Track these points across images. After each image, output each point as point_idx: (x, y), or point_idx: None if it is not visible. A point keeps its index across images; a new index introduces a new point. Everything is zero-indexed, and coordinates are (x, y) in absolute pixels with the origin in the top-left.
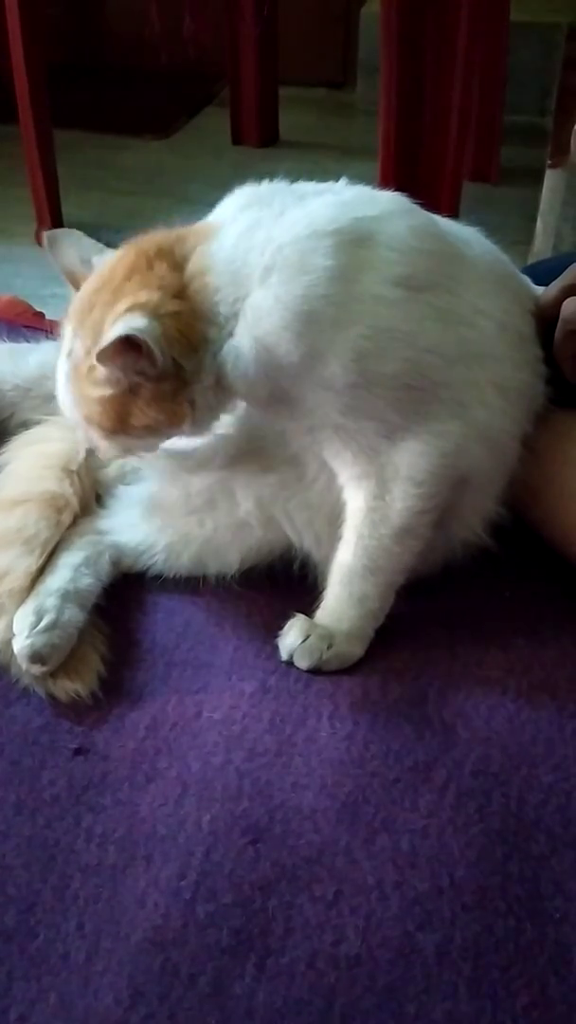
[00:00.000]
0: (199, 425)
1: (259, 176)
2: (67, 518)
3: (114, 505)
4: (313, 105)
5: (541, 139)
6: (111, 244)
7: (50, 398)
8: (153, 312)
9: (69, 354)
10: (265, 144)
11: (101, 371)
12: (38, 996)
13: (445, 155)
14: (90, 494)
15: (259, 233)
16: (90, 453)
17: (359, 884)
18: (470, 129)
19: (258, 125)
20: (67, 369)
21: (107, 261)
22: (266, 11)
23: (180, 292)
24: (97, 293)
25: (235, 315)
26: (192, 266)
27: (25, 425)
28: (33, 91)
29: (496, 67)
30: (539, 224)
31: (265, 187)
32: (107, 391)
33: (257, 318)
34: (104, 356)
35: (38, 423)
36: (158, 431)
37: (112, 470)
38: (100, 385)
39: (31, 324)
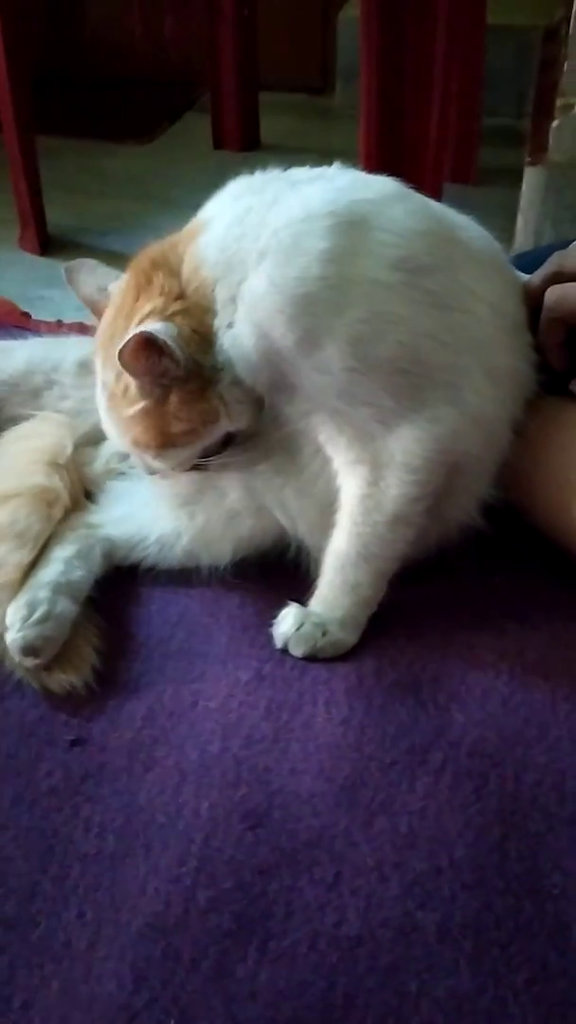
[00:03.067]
0: (236, 419)
1: None
2: (58, 512)
3: (105, 499)
4: (293, 110)
5: (518, 141)
6: (97, 247)
7: (37, 393)
8: (161, 315)
9: (103, 385)
10: (246, 149)
11: (132, 386)
12: (41, 983)
13: (425, 156)
14: (79, 489)
15: (251, 219)
16: (77, 447)
17: (359, 866)
18: (450, 131)
19: (239, 130)
20: (104, 401)
21: (118, 289)
22: (246, 13)
23: (181, 294)
24: (113, 322)
25: (233, 300)
26: (187, 267)
27: (13, 421)
28: (16, 98)
29: (474, 69)
30: (520, 221)
31: (257, 176)
32: (141, 404)
33: (253, 303)
34: (125, 358)
35: (26, 419)
36: (200, 433)
37: (99, 466)
38: (134, 401)
39: (19, 324)
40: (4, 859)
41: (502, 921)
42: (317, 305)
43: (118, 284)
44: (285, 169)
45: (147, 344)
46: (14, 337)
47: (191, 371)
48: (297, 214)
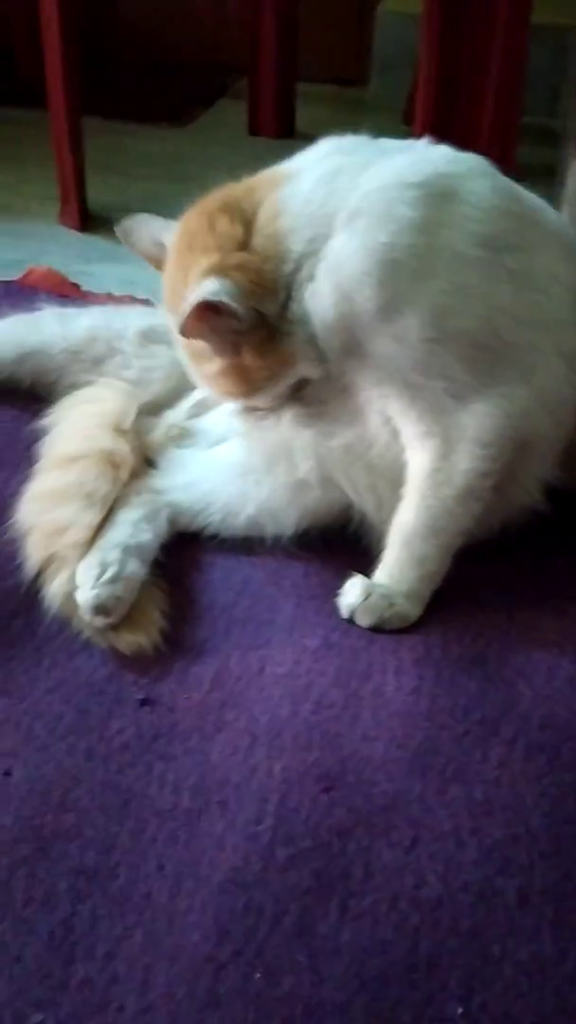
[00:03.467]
0: (312, 362)
1: (275, 165)
2: (124, 475)
3: (168, 466)
4: (327, 101)
5: (552, 140)
6: None
7: (99, 361)
8: (218, 271)
9: (179, 342)
10: (281, 136)
11: (205, 346)
12: (124, 933)
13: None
14: (141, 455)
15: (342, 179)
16: (140, 415)
17: (436, 831)
18: (498, 129)
19: (275, 117)
20: (186, 357)
21: (174, 235)
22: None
23: (243, 243)
24: (172, 276)
25: (313, 255)
26: (264, 213)
27: (74, 387)
28: (67, 78)
29: (516, 66)
30: (565, 212)
31: (348, 139)
32: (219, 362)
33: (338, 263)
34: (188, 329)
35: (87, 385)
36: (279, 377)
37: (159, 435)
38: (211, 359)
39: (69, 294)
40: (81, 811)
41: None
42: (403, 272)
43: (173, 235)
44: (375, 136)
45: (204, 310)
46: (74, 306)
47: (255, 322)
48: (389, 180)
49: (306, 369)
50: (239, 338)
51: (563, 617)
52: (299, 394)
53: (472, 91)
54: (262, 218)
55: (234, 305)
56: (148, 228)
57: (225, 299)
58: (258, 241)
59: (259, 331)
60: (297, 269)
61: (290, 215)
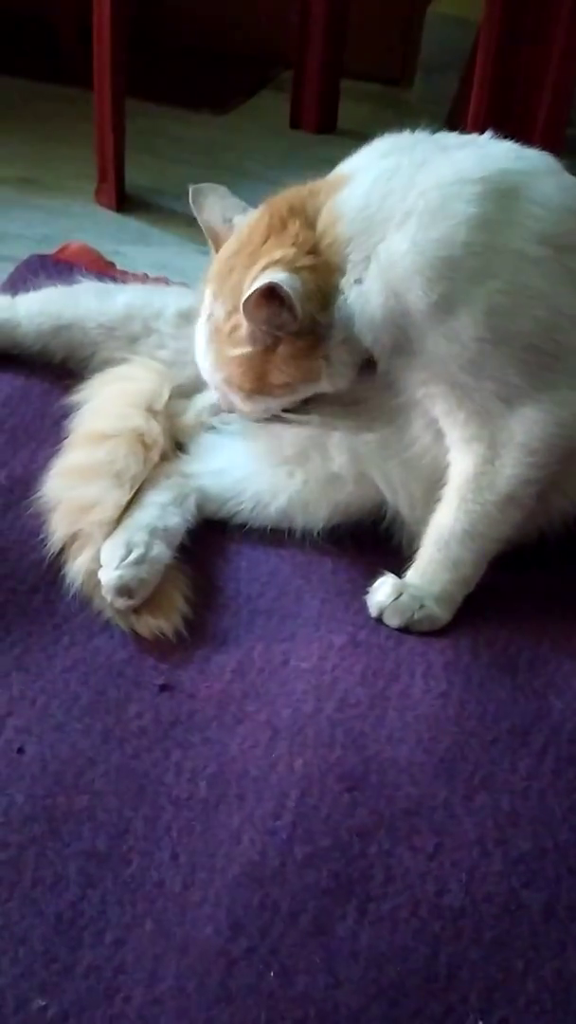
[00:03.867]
0: (335, 380)
1: (314, 160)
2: (155, 456)
3: (199, 451)
4: (369, 99)
5: None
6: (171, 209)
7: (134, 339)
8: (290, 267)
9: (209, 317)
10: (322, 131)
11: (243, 329)
12: (133, 921)
13: None
14: (172, 437)
15: (399, 179)
16: (173, 397)
17: (460, 839)
18: (547, 139)
19: (317, 112)
20: (207, 332)
21: (246, 223)
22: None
23: (314, 248)
24: (236, 256)
25: (367, 259)
26: (323, 219)
27: (107, 364)
28: (115, 59)
29: (569, 78)
30: None
31: (406, 136)
32: (247, 349)
33: (391, 262)
34: (248, 305)
35: (121, 362)
36: (294, 388)
37: (191, 418)
38: (241, 344)
39: (104, 271)
40: (94, 793)
41: None
42: (458, 271)
43: (246, 218)
44: (433, 132)
45: (271, 293)
46: (112, 282)
47: (305, 327)
48: (448, 177)
49: (327, 384)
50: (283, 336)
51: None
52: (306, 408)
53: (527, 98)
54: (322, 224)
55: (297, 304)
56: (222, 202)
57: (292, 293)
58: (322, 249)
59: (303, 338)
60: (350, 276)
61: (347, 220)
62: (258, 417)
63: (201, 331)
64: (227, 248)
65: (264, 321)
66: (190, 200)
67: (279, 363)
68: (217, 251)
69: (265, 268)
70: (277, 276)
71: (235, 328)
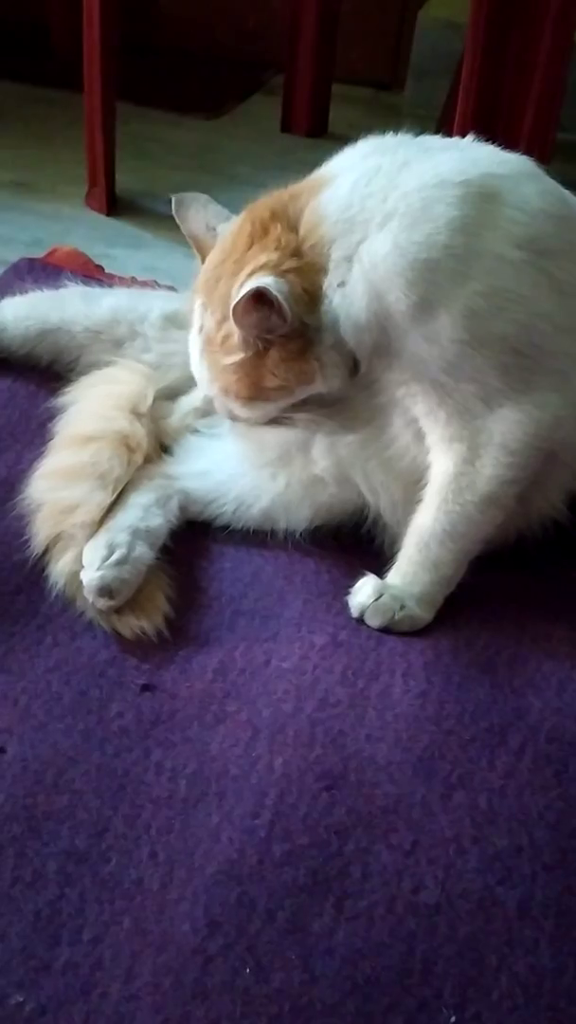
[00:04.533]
0: (329, 381)
1: (305, 163)
2: (139, 458)
3: (183, 453)
4: (360, 103)
5: None
6: (161, 213)
7: (120, 343)
8: (275, 270)
9: (201, 329)
10: (313, 135)
11: (235, 337)
12: (111, 919)
13: None
14: (156, 440)
15: (380, 180)
16: (157, 400)
17: (437, 836)
18: (534, 142)
19: (308, 115)
20: (200, 344)
21: (229, 232)
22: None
23: (297, 250)
24: (221, 266)
25: (349, 260)
26: (306, 221)
27: (94, 367)
28: (104, 61)
29: (554, 81)
30: None
31: (389, 138)
32: (240, 356)
33: (372, 263)
34: (238, 311)
35: (107, 365)
36: (291, 391)
37: (175, 420)
38: (233, 351)
39: (93, 275)
40: (74, 792)
41: None
42: (438, 273)
43: (229, 226)
44: (416, 135)
45: (260, 298)
46: (99, 286)
47: (295, 330)
48: (429, 179)
49: (321, 385)
50: (274, 339)
51: (575, 630)
52: (302, 410)
53: (513, 102)
54: (305, 226)
55: (286, 307)
56: (205, 210)
57: (280, 297)
58: (305, 251)
59: (294, 341)
60: (335, 276)
61: (330, 222)
62: (259, 422)
63: (194, 344)
64: (213, 258)
65: (254, 326)
66: (173, 210)
67: (273, 367)
68: (203, 260)
69: (251, 274)
70: (264, 280)
71: (227, 336)
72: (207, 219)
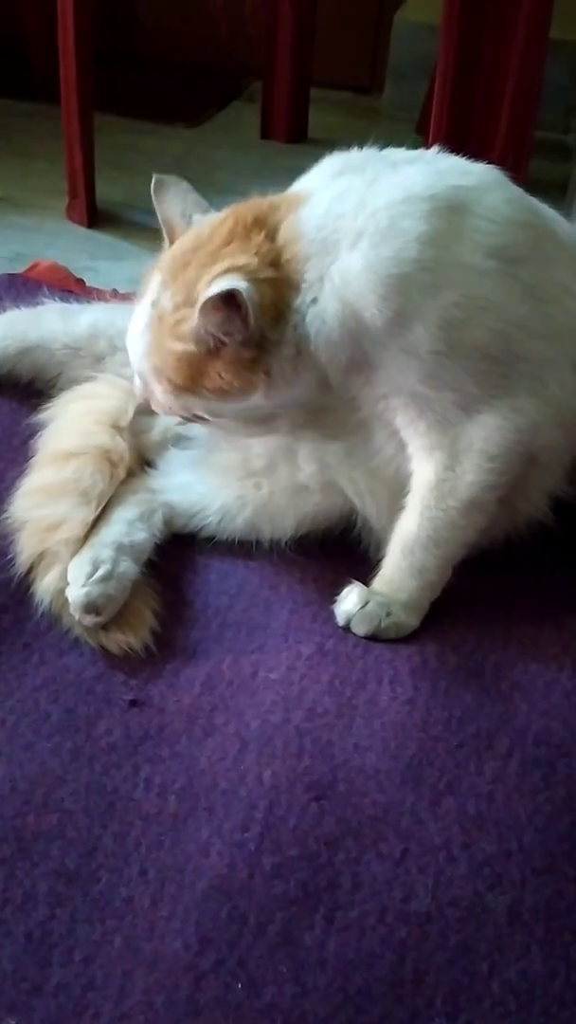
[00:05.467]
0: (270, 396)
1: (286, 170)
2: (121, 472)
3: (165, 466)
4: (340, 107)
5: (565, 154)
6: (142, 224)
7: (100, 359)
8: (251, 276)
9: (154, 304)
10: (293, 141)
11: (189, 326)
12: (103, 939)
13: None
14: (138, 453)
15: (351, 199)
16: (138, 414)
17: (426, 844)
18: (511, 141)
19: (287, 122)
20: (148, 318)
21: (208, 222)
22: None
23: (275, 261)
24: (194, 252)
25: (320, 280)
26: (283, 236)
27: (75, 383)
28: (80, 73)
29: (531, 80)
30: None
31: (356, 154)
32: (189, 347)
33: (345, 281)
34: (207, 306)
35: (88, 381)
36: (227, 396)
37: (155, 435)
38: (184, 340)
39: (73, 290)
40: (64, 812)
41: (574, 908)
42: (411, 287)
43: (209, 218)
44: (381, 148)
45: (229, 299)
46: (77, 301)
47: (253, 339)
48: (397, 195)
49: (260, 399)
50: (228, 342)
51: (562, 631)
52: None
53: (488, 102)
54: (283, 240)
55: (252, 315)
56: (184, 198)
57: (250, 305)
58: (282, 264)
59: (248, 349)
60: (305, 295)
61: (306, 240)
62: (168, 415)
63: (140, 315)
64: (184, 242)
65: (216, 325)
66: (152, 190)
67: (219, 368)
68: (171, 244)
69: (227, 271)
70: (238, 284)
71: (180, 322)
72: (184, 206)
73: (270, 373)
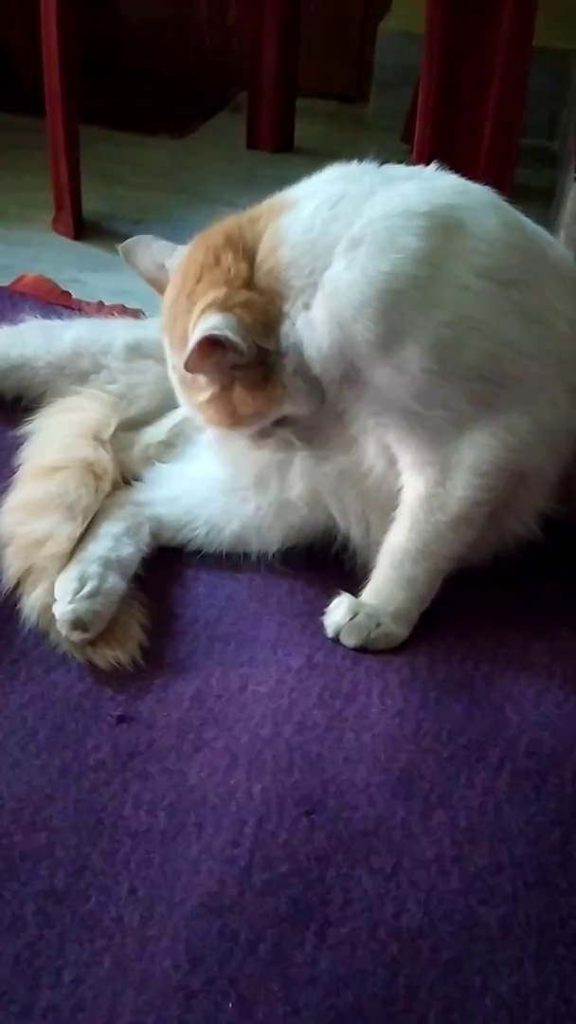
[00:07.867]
0: (297, 404)
1: (272, 179)
2: (106, 486)
3: (152, 480)
4: (325, 117)
5: (550, 161)
6: (129, 235)
7: (84, 376)
8: (223, 306)
9: (173, 368)
10: (279, 150)
11: (199, 378)
12: (92, 959)
13: (475, 171)
14: (120, 467)
15: (345, 206)
16: (119, 430)
17: (418, 858)
18: (497, 149)
19: (273, 131)
20: (176, 384)
21: (179, 264)
22: (312, 9)
23: (248, 280)
24: (176, 304)
25: (312, 286)
26: (264, 245)
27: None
28: (64, 85)
29: (516, 88)
30: (562, 235)
31: (354, 166)
32: (210, 392)
33: (336, 290)
34: (192, 364)
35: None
36: (265, 414)
37: (137, 452)
38: (204, 389)
39: (59, 302)
40: (52, 830)
41: (567, 921)
42: (404, 304)
43: (177, 260)
44: (380, 165)
45: (209, 345)
46: (59, 316)
47: (255, 358)
48: (395, 208)
49: (291, 408)
50: (237, 370)
51: (552, 642)
52: (282, 427)
53: (473, 110)
54: (263, 251)
55: (237, 340)
56: (151, 250)
57: (229, 334)
58: (260, 276)
59: (255, 369)
60: (295, 300)
61: (289, 245)
62: (262, 439)
63: (173, 381)
64: (168, 295)
65: (213, 368)
66: (123, 258)
67: (242, 396)
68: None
69: (201, 313)
70: (209, 322)
71: (195, 377)
72: (153, 257)
73: (285, 385)
